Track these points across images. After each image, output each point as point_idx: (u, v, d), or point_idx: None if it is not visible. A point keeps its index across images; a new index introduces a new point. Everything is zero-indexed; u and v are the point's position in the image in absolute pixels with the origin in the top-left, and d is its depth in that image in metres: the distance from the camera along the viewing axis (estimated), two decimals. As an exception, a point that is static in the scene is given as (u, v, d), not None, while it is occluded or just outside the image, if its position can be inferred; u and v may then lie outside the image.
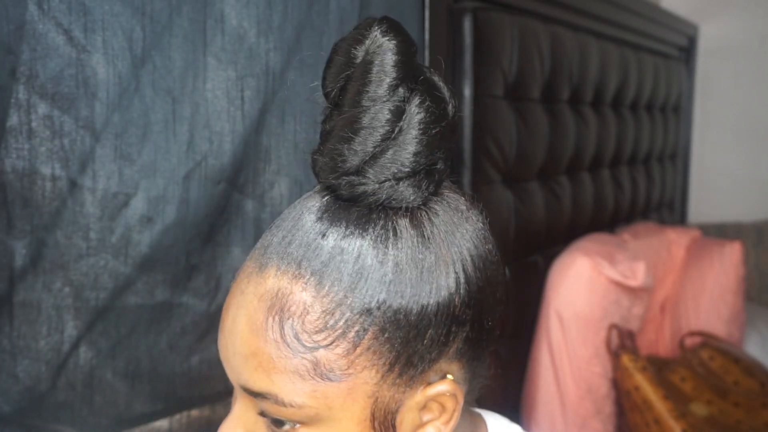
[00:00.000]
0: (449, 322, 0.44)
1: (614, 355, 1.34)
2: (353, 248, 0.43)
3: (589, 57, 1.51)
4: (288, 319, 0.43)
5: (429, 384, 0.45)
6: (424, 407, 0.46)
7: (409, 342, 0.43)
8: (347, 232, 0.43)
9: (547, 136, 1.35)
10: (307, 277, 0.43)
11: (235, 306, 0.45)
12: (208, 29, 0.77)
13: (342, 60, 0.44)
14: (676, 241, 1.70)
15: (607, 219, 1.70)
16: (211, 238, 0.83)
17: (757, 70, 2.32)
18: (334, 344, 0.43)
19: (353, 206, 0.44)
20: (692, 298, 1.65)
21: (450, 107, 0.45)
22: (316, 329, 0.43)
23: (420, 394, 0.45)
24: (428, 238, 0.44)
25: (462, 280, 0.44)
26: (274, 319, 0.43)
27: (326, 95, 0.45)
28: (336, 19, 0.87)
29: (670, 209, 2.26)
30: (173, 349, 0.83)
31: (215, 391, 0.87)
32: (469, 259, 0.45)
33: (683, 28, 2.21)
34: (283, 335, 0.43)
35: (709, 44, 2.35)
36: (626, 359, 1.32)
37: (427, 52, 1.02)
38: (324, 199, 0.45)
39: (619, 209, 1.76)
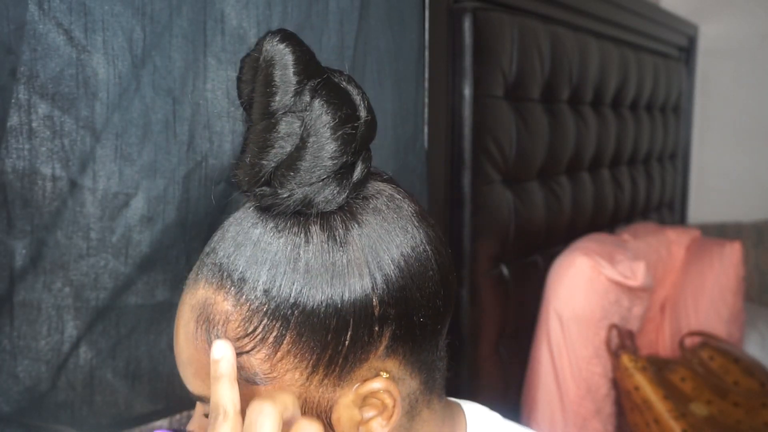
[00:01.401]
0: (370, 322, 0.45)
1: (614, 355, 1.34)
2: (267, 257, 0.44)
3: (589, 57, 1.51)
4: (213, 327, 0.45)
5: (363, 382, 0.46)
6: (364, 405, 0.47)
7: (328, 344, 0.44)
8: (263, 241, 0.45)
9: (547, 136, 1.35)
10: (228, 287, 0.45)
11: (178, 316, 0.49)
12: (208, 29, 0.77)
13: (246, 75, 0.45)
14: (676, 241, 1.70)
15: (607, 219, 1.70)
16: (212, 238, 0.83)
17: (757, 70, 2.32)
18: (255, 349, 0.44)
19: (269, 215, 0.45)
20: (692, 298, 1.65)
21: (360, 107, 0.45)
22: (237, 336, 0.45)
23: (353, 393, 0.46)
24: (340, 242, 0.45)
25: (379, 280, 0.45)
26: (202, 327, 0.46)
27: (243, 107, 0.46)
28: (336, 20, 0.87)
29: (670, 209, 2.26)
30: (173, 349, 0.83)
31: (215, 391, 0.87)
32: (387, 259, 0.45)
33: (683, 28, 2.21)
34: (209, 343, 0.45)
35: (709, 44, 2.35)
36: (626, 359, 1.32)
37: (427, 52, 1.02)
38: (250, 210, 0.47)
39: (619, 209, 1.76)
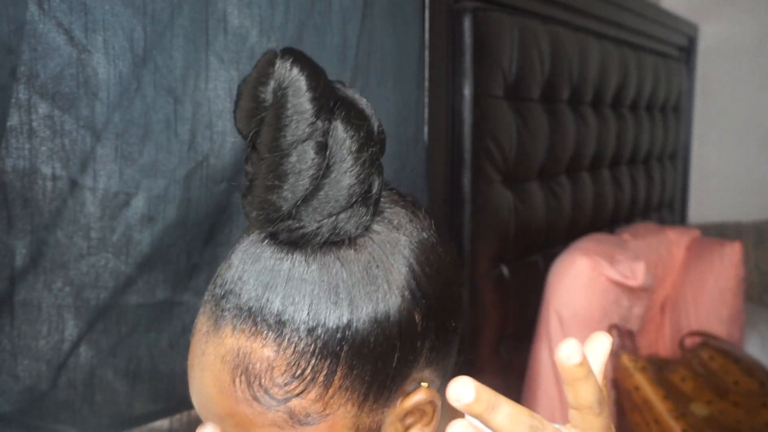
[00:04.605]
0: (414, 338, 0.44)
1: (614, 355, 1.34)
2: (304, 293, 0.42)
3: (589, 57, 1.51)
4: (255, 377, 0.42)
5: (406, 396, 0.45)
6: (405, 416, 0.46)
7: (378, 370, 0.43)
8: (295, 277, 0.42)
9: (547, 136, 1.35)
10: (265, 332, 0.42)
11: (199, 368, 0.45)
12: (209, 29, 0.77)
13: (250, 103, 0.40)
14: (676, 241, 1.70)
15: (607, 219, 1.70)
16: (212, 237, 0.83)
17: (757, 70, 2.32)
18: (306, 391, 0.42)
19: (295, 249, 0.43)
20: (692, 298, 1.65)
21: (372, 119, 0.42)
22: (285, 382, 0.42)
23: (399, 407, 0.45)
24: (376, 265, 0.43)
25: (418, 296, 0.44)
26: (240, 378, 0.43)
27: (243, 136, 0.42)
28: (338, 19, 0.87)
29: (670, 209, 2.26)
30: (174, 348, 0.83)
31: (216, 390, 0.87)
32: (420, 272, 0.44)
33: (683, 28, 2.22)
34: (253, 393, 0.42)
35: (709, 44, 2.36)
36: (626, 359, 1.32)
37: (427, 52, 1.02)
38: (264, 244, 0.44)
39: (619, 209, 1.76)
